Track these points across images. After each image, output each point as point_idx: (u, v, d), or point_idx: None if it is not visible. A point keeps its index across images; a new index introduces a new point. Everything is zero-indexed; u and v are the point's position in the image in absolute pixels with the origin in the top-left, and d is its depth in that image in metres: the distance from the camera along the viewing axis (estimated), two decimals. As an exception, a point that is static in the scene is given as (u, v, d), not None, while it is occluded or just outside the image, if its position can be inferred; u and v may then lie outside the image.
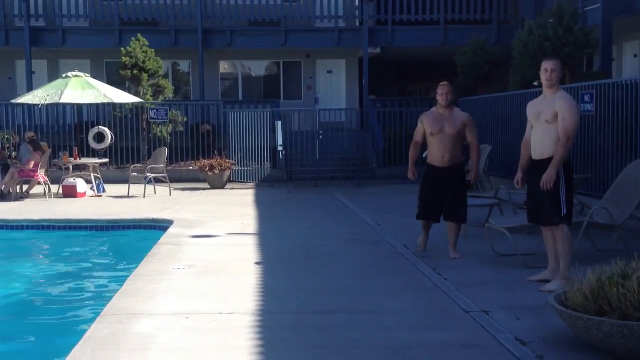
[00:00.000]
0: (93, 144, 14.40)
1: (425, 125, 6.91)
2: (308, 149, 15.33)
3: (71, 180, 12.44)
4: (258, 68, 21.76)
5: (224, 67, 21.55)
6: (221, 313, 5.07)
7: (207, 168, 13.89)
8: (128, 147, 15.39)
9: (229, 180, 14.42)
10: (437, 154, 6.90)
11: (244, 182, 15.00)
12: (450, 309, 5.23)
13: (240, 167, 15.10)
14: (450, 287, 5.82)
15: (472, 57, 16.28)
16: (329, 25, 19.37)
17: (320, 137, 15.06)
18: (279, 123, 15.24)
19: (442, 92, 6.81)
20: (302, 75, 21.13)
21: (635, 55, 16.16)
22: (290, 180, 14.91)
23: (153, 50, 16.24)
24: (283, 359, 4.19)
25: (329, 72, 21.27)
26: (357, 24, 19.59)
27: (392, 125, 16.07)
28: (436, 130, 6.81)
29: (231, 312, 5.11)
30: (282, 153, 15.12)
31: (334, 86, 21.16)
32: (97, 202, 11.94)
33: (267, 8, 18.95)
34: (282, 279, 6.22)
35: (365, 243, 7.99)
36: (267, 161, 15.11)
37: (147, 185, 12.49)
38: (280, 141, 15.01)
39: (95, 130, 14.51)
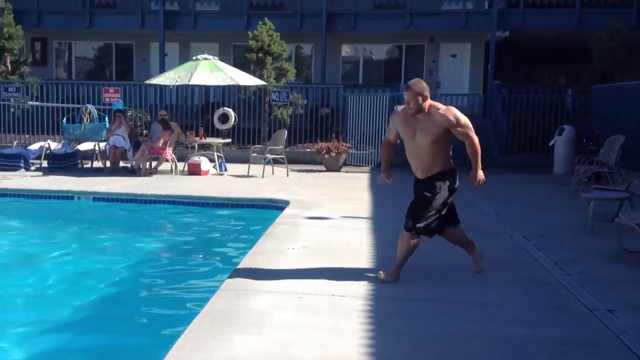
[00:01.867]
0: (217, 124, 14.92)
1: (396, 126, 5.67)
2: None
3: (196, 158, 12.96)
4: (379, 51, 21.64)
5: (346, 50, 21.61)
6: (333, 295, 5.10)
7: (324, 151, 14.02)
8: (250, 128, 15.83)
9: (345, 164, 14.48)
10: (411, 164, 5.77)
11: (359, 166, 15.02)
12: (572, 305, 4.97)
13: (357, 150, 15.12)
14: (573, 282, 5.53)
15: (607, 41, 15.32)
16: (456, 8, 18.89)
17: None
18: (398, 107, 15.03)
19: (407, 99, 5.43)
20: (424, 59, 20.80)
21: None
22: (407, 165, 14.69)
23: (278, 33, 16.55)
24: (391, 345, 4.15)
25: (453, 56, 20.79)
26: (486, 6, 18.98)
27: (516, 111, 15.48)
28: (407, 137, 5.56)
29: (342, 294, 5.12)
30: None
31: (457, 70, 20.66)
32: (219, 180, 12.37)
33: (393, -9, 18.79)
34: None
35: (482, 233, 7.75)
36: (384, 146, 14.98)
37: (265, 166, 12.79)
38: (399, 126, 14.83)
39: (220, 111, 15.02)
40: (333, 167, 13.95)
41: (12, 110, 16.22)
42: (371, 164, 14.99)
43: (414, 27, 18.93)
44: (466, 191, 11.34)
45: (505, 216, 8.86)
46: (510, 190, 11.74)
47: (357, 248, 6.71)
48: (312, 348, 4.08)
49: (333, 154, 13.91)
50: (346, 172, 14.00)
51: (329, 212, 8.74)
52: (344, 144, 14.42)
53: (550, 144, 13.85)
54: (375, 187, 11.74)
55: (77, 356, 4.76)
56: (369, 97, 15.31)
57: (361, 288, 5.30)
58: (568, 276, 5.75)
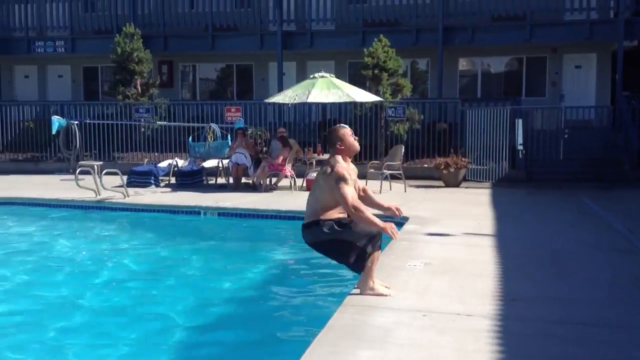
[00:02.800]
0: (334, 141, 15.06)
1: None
2: (551, 149, 14.50)
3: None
4: (498, 64, 21.10)
5: (463, 64, 21.25)
6: (459, 314, 4.97)
7: (442, 166, 13.80)
8: (366, 144, 15.86)
9: (464, 179, 14.17)
10: None
11: (479, 181, 14.64)
12: None
13: (476, 165, 14.76)
14: None
15: None
16: (579, 18, 18.11)
17: (565, 136, 14.15)
18: (520, 121, 14.59)
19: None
20: (546, 70, 20.05)
21: None
22: (529, 181, 14.23)
23: (394, 49, 16.55)
24: (524, 368, 3.98)
25: (577, 67, 19.90)
26: (612, 15, 18.06)
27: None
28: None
29: (469, 313, 4.98)
30: (521, 152, 14.45)
31: (581, 82, 19.74)
32: (337, 196, 12.43)
33: (512, 2, 18.29)
34: (522, 283, 5.92)
35: (615, 251, 7.32)
36: (505, 160, 14.57)
37: (383, 181, 12.75)
38: (520, 140, 14.36)
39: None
40: (452, 183, 13.69)
41: (142, 130, 17.19)
42: (491, 179, 14.58)
43: (535, 39, 18.31)
44: (593, 206, 10.80)
45: (639, 233, 8.30)
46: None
47: (481, 266, 6.52)
48: (440, 368, 3.98)
49: (452, 169, 13.66)
50: (466, 187, 13.69)
51: (450, 229, 8.57)
52: (463, 159, 14.13)
53: None
54: (496, 203, 11.39)
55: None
56: (489, 110, 14.92)
57: (488, 308, 5.13)
58: None
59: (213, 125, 15.16)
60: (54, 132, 16.35)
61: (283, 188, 13.12)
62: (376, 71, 16.20)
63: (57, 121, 16.15)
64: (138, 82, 18.23)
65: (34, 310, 6.05)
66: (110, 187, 11.92)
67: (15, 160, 17.52)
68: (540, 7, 18.28)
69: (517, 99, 17.68)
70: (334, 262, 7.67)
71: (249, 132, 15.42)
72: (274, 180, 13.32)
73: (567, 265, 6.66)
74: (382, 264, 6.55)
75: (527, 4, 18.18)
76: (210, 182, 13.99)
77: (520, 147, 14.38)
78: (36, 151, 17.74)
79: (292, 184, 12.92)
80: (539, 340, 4.44)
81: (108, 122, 17.26)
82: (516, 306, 5.20)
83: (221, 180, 13.94)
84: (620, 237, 8.25)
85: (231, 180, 13.50)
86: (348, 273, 6.90)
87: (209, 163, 14.41)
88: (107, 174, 11.81)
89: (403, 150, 13.51)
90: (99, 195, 11.66)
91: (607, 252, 7.27)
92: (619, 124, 15.72)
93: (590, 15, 18.15)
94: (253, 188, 12.95)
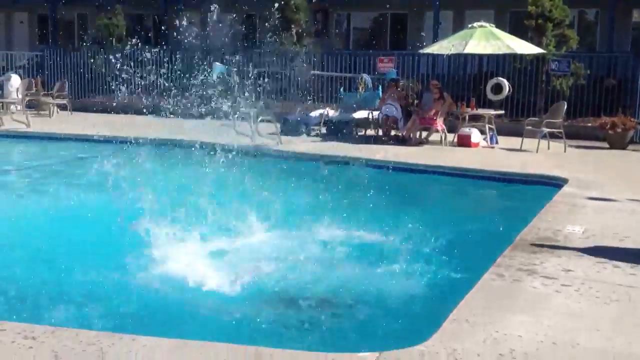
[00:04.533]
0: (490, 95, 14.49)
1: None
2: None
3: (466, 129, 12.75)
4: (678, 16, 19.15)
5: (636, 15, 19.49)
6: (620, 284, 4.68)
7: (608, 126, 12.83)
8: (524, 100, 15.10)
9: (632, 141, 13.10)
10: None
11: (649, 144, 13.49)
12: None
13: (647, 127, 13.57)
14: None
15: None
16: None
17: None
18: None
19: None
20: None
21: None
22: None
23: (560, -2, 15.46)
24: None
25: None
26: None
27: None
28: None
29: (631, 285, 4.67)
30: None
31: None
32: (490, 152, 12.05)
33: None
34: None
35: None
36: (681, 123, 13.25)
37: (540, 140, 12.11)
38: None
39: (493, 81, 14.55)
40: (618, 145, 12.71)
41: (297, 78, 17.50)
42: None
43: None
44: None
45: None
46: None
47: (649, 235, 6.04)
48: (595, 339, 3.79)
49: (619, 130, 12.67)
50: (633, 150, 12.68)
51: (614, 194, 8.00)
52: (632, 119, 13.04)
53: None
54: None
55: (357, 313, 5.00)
56: (665, 67, 13.60)
57: (654, 281, 4.76)
58: None
59: (365, 76, 15.10)
60: (214, 77, 17.05)
61: (433, 142, 12.88)
62: (540, 21, 15.21)
63: (218, 68, 16.84)
64: (294, 30, 18.49)
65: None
66: (265, 133, 12.34)
67: (182, 105, 18.59)
68: None
69: (699, 55, 15.99)
70: (485, 221, 7.43)
71: (401, 83, 15.19)
72: (424, 134, 13.10)
73: None
74: (540, 227, 6.29)
75: None
76: (360, 133, 14.04)
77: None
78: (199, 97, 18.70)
79: (443, 139, 12.63)
80: None
81: (265, 70, 17.72)
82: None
83: (371, 132, 13.93)
84: None
85: (381, 132, 13.45)
86: (497, 235, 6.69)
87: (360, 114, 14.41)
88: (262, 121, 12.20)
89: (565, 108, 12.71)
90: (254, 141, 12.10)
91: None
92: None
93: None
94: (402, 141, 12.83)
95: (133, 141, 12.92)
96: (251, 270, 5.73)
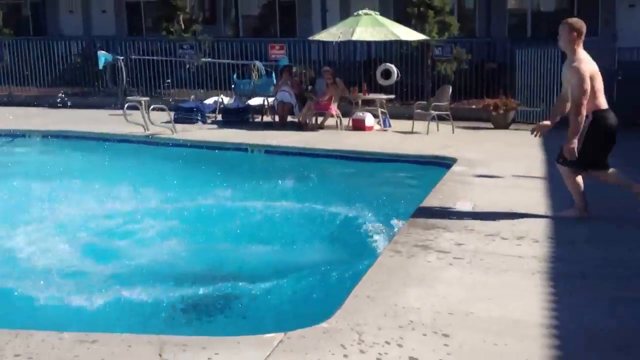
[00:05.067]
0: (380, 80, 14.87)
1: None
2: (604, 91, 14.07)
3: (360, 114, 13.05)
4: (548, 2, 20.37)
5: (512, 2, 20.56)
6: (509, 255, 5.00)
7: (491, 107, 13.54)
8: (413, 84, 15.63)
9: (514, 121, 13.91)
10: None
11: (529, 123, 14.29)
12: None
13: (526, 107, 14.44)
14: None
15: None
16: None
17: (619, 77, 13.70)
18: None
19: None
20: (599, 8, 19.27)
21: None
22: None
23: (441, -14, 16.08)
24: (576, 309, 4.00)
25: (631, 5, 19.08)
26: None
27: None
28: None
29: (520, 255, 5.00)
30: (572, 94, 14.07)
31: (636, 21, 18.95)
32: (383, 135, 12.40)
33: None
34: (575, 227, 5.88)
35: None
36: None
37: (430, 122, 12.61)
38: (570, 81, 14.00)
39: (382, 67, 14.93)
40: (501, 124, 13.46)
41: (187, 66, 17.22)
42: (541, 121, 14.23)
43: (590, -25, 17.60)
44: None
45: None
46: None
47: (533, 208, 6.48)
48: (491, 307, 4.04)
49: (501, 111, 13.40)
50: (515, 129, 13.44)
51: (499, 171, 8.49)
52: (513, 100, 13.83)
53: None
54: (547, 145, 11.19)
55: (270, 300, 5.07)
56: (539, 51, 14.48)
57: (539, 249, 5.13)
58: None
59: (257, 63, 15.07)
60: (100, 67, 16.46)
61: (329, 127, 13.10)
62: (422, 9, 15.78)
63: (103, 56, 16.25)
64: (181, 18, 18.16)
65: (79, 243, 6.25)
66: (158, 122, 12.08)
67: (65, 94, 17.79)
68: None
69: (568, 39, 17.11)
70: (381, 202, 7.71)
71: (294, 70, 15.30)
72: (320, 119, 13.29)
73: (616, 208, 6.56)
74: (432, 205, 6.58)
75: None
76: (256, 120, 14.04)
77: (570, 88, 13.99)
78: (84, 86, 17.95)
79: (338, 124, 12.87)
80: (588, 284, 4.45)
81: (152, 58, 17.31)
82: (564, 249, 5.19)
83: (267, 119, 13.96)
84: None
85: (277, 118, 13.52)
86: (393, 214, 6.93)
87: (255, 101, 14.41)
88: (154, 109, 11.94)
89: (450, 91, 13.27)
90: (148, 130, 11.83)
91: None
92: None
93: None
94: (299, 127, 12.95)
95: (16, 134, 12.39)
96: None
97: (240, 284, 5.27)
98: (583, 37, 5.72)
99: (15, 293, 4.97)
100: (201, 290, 5.14)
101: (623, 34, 18.48)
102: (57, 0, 23.98)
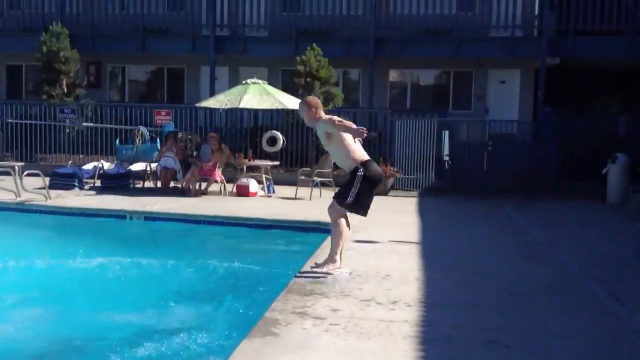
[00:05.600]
0: (266, 147, 15.06)
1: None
2: (475, 160, 14.94)
3: (244, 180, 13.09)
4: (427, 77, 21.60)
5: (393, 75, 21.63)
6: (382, 320, 5.07)
7: (372, 175, 13.98)
8: (298, 151, 15.92)
9: (392, 188, 14.43)
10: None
11: (407, 190, 14.94)
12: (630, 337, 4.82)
13: (404, 174, 15.05)
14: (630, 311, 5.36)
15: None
16: (505, 35, 18.77)
17: (489, 148, 14.63)
18: (446, 132, 15.01)
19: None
20: (472, 84, 20.65)
21: None
22: (455, 191, 14.62)
23: (326, 59, 16.70)
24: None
25: (502, 82, 20.59)
26: (535, 33, 18.82)
27: (569, 139, 15.24)
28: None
29: (391, 319, 5.09)
30: (447, 163, 14.84)
31: (506, 97, 20.43)
32: (267, 201, 12.46)
33: (441, 18, 18.79)
34: (445, 290, 6.09)
35: (534, 260, 7.62)
36: (432, 170, 14.93)
37: (313, 188, 12.83)
38: (446, 151, 14.77)
39: (268, 134, 15.17)
40: (380, 191, 13.85)
41: (67, 130, 16.69)
42: (418, 189, 14.90)
43: (462, 53, 18.85)
44: (515, 217, 11.21)
45: (557, 243, 8.67)
46: (563, 217, 11.52)
47: (407, 273, 6.65)
48: (361, 372, 4.05)
49: (381, 178, 13.87)
50: (394, 195, 13.94)
51: (377, 236, 8.71)
52: (392, 168, 14.37)
53: (604, 172, 13.59)
54: (422, 212, 11.65)
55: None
56: (417, 121, 15.27)
57: (411, 314, 5.25)
58: (624, 307, 5.58)
59: (142, 128, 14.88)
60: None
61: (213, 193, 13.01)
62: (308, 79, 16.31)
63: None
64: (64, 82, 17.71)
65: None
66: (31, 189, 11.52)
67: None
68: (467, 23, 18.85)
69: (444, 111, 18.17)
70: (262, 267, 7.68)
71: (180, 135, 15.21)
72: (203, 185, 13.19)
73: (487, 272, 6.88)
74: (309, 270, 6.61)
75: (456, 20, 18.72)
76: (137, 185, 13.72)
77: (446, 158, 14.76)
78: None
79: (222, 189, 12.83)
80: (457, 346, 4.58)
81: (31, 122, 16.67)
82: (437, 312, 5.34)
83: (149, 184, 13.69)
84: (540, 246, 8.58)
85: (159, 184, 13.28)
86: (274, 279, 6.92)
87: (137, 166, 14.13)
88: (28, 175, 11.40)
89: (333, 159, 13.61)
90: (19, 197, 11.26)
91: (528, 261, 7.55)
92: (540, 138, 16.36)
93: (515, 33, 18.85)
94: (182, 193, 12.78)
95: None
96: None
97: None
98: (322, 109, 6.46)
99: None
100: None
101: (494, 108, 19.84)
102: None
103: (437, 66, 20.88)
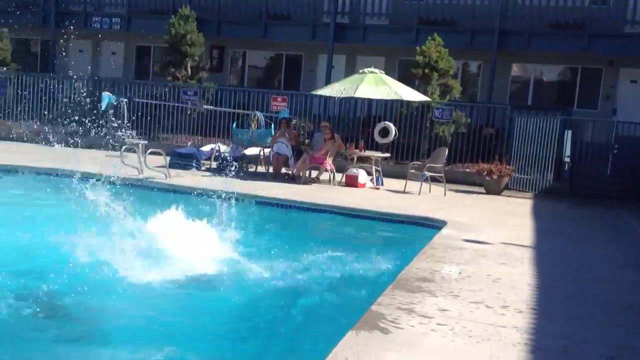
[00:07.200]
0: (377, 138, 14.98)
1: None
2: (598, 163, 14.14)
3: (354, 170, 13.08)
4: (551, 73, 20.68)
5: (515, 69, 20.88)
6: (492, 324, 4.89)
7: (485, 172, 13.58)
8: (409, 144, 15.72)
9: (507, 187, 13.92)
10: None
11: (521, 191, 14.36)
12: None
13: (520, 174, 14.48)
14: None
15: None
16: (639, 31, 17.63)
17: (615, 151, 13.78)
18: (569, 132, 14.27)
19: None
20: (601, 83, 19.55)
21: None
22: (573, 195, 13.90)
23: (446, 49, 16.34)
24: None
25: (633, 81, 19.36)
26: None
27: None
28: None
29: (502, 325, 4.89)
30: (568, 164, 14.13)
31: (637, 97, 19.19)
32: (375, 193, 12.39)
33: (572, 10, 17.90)
34: (558, 299, 5.79)
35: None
36: (550, 171, 14.24)
37: (423, 183, 12.62)
38: (568, 152, 14.05)
39: (381, 125, 15.07)
40: (493, 190, 13.47)
41: (188, 112, 17.35)
42: (534, 190, 14.28)
43: (593, 50, 17.87)
44: (637, 227, 10.50)
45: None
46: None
47: (518, 277, 6.39)
48: (467, 378, 3.92)
49: (495, 176, 13.43)
50: (507, 196, 13.45)
51: (488, 237, 8.42)
52: (507, 166, 13.87)
53: None
54: (537, 214, 11.17)
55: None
56: (538, 119, 14.61)
57: (521, 321, 5.03)
58: None
59: (258, 113, 15.19)
60: (103, 107, 16.60)
61: (322, 182, 13.09)
62: (427, 70, 16.03)
63: (107, 97, 16.39)
64: (189, 64, 18.39)
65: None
66: (153, 166, 12.07)
67: (65, 133, 17.84)
68: (600, 17, 17.83)
69: (568, 110, 17.30)
70: (368, 261, 7.60)
71: (293, 122, 15.41)
72: (314, 173, 13.29)
73: (602, 284, 6.49)
74: (419, 267, 6.49)
75: (587, 12, 17.75)
76: (250, 169, 14.05)
77: (567, 159, 14.05)
78: (84, 126, 18.01)
79: (331, 179, 12.88)
80: (570, 357, 4.34)
81: (156, 102, 17.45)
82: (548, 322, 5.08)
83: (261, 169, 13.98)
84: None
85: (271, 169, 13.52)
86: (379, 274, 6.85)
87: (251, 150, 14.46)
88: (151, 153, 11.95)
89: (446, 153, 13.34)
90: (142, 173, 11.81)
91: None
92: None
93: (652, 29, 17.70)
94: (292, 179, 12.95)
95: (11, 169, 12.36)
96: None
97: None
98: None
99: None
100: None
101: (623, 109, 18.71)
102: (68, 39, 24.32)
103: (564, 62, 19.93)
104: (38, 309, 5.42)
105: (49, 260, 6.65)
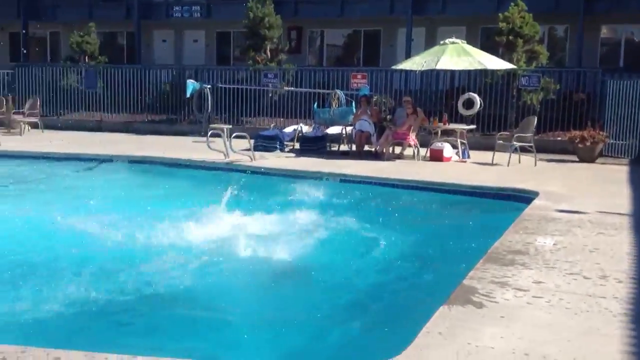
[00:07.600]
0: (462, 110, 14.66)
1: None
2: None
3: (439, 144, 12.86)
4: (644, 32, 19.59)
5: (604, 31, 19.90)
6: (590, 295, 4.72)
7: (578, 139, 13.04)
8: (495, 115, 15.30)
9: (601, 154, 13.33)
10: None
11: (617, 157, 13.71)
12: None
13: (614, 140, 13.82)
14: None
15: None
16: None
17: None
18: None
19: None
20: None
21: None
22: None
23: (530, 14, 15.73)
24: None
25: None
26: None
27: None
28: None
29: (601, 295, 4.71)
30: (666, 127, 13.35)
31: None
32: (462, 167, 12.15)
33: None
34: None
35: None
36: (648, 136, 13.52)
37: (512, 154, 12.27)
38: (666, 114, 13.29)
39: (465, 96, 14.73)
40: (587, 158, 12.93)
41: (270, 95, 17.55)
42: (631, 156, 13.61)
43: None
44: None
45: None
46: None
47: (618, 247, 6.13)
48: (567, 350, 3.80)
49: (588, 144, 12.88)
50: (602, 163, 12.88)
51: (584, 207, 8.10)
52: (601, 132, 13.26)
53: None
54: (635, 181, 10.66)
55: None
56: (632, 82, 13.86)
57: (623, 290, 4.82)
58: None
59: (338, 92, 15.18)
60: (188, 95, 17.06)
61: (406, 157, 12.96)
62: (511, 37, 15.49)
63: (191, 85, 16.83)
64: (268, 47, 18.57)
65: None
66: (238, 150, 12.31)
67: (152, 121, 18.48)
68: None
69: (664, 70, 16.35)
70: (458, 235, 7.51)
71: (374, 99, 15.30)
72: (397, 149, 13.18)
73: None
74: (512, 240, 6.34)
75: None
76: (333, 148, 14.08)
77: (665, 122, 13.29)
78: (171, 113, 18.59)
79: (416, 154, 12.72)
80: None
81: (238, 86, 17.75)
82: (654, 292, 4.85)
83: (344, 147, 13.98)
84: None
85: (354, 147, 13.50)
86: (470, 248, 6.75)
87: (333, 129, 14.47)
88: (236, 137, 12.19)
89: (535, 122, 12.89)
90: (228, 157, 12.07)
91: None
92: None
93: None
94: (375, 156, 12.89)
95: (106, 159, 12.91)
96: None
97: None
98: None
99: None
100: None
101: None
102: (152, 30, 25.08)
103: (657, 20, 18.82)
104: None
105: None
